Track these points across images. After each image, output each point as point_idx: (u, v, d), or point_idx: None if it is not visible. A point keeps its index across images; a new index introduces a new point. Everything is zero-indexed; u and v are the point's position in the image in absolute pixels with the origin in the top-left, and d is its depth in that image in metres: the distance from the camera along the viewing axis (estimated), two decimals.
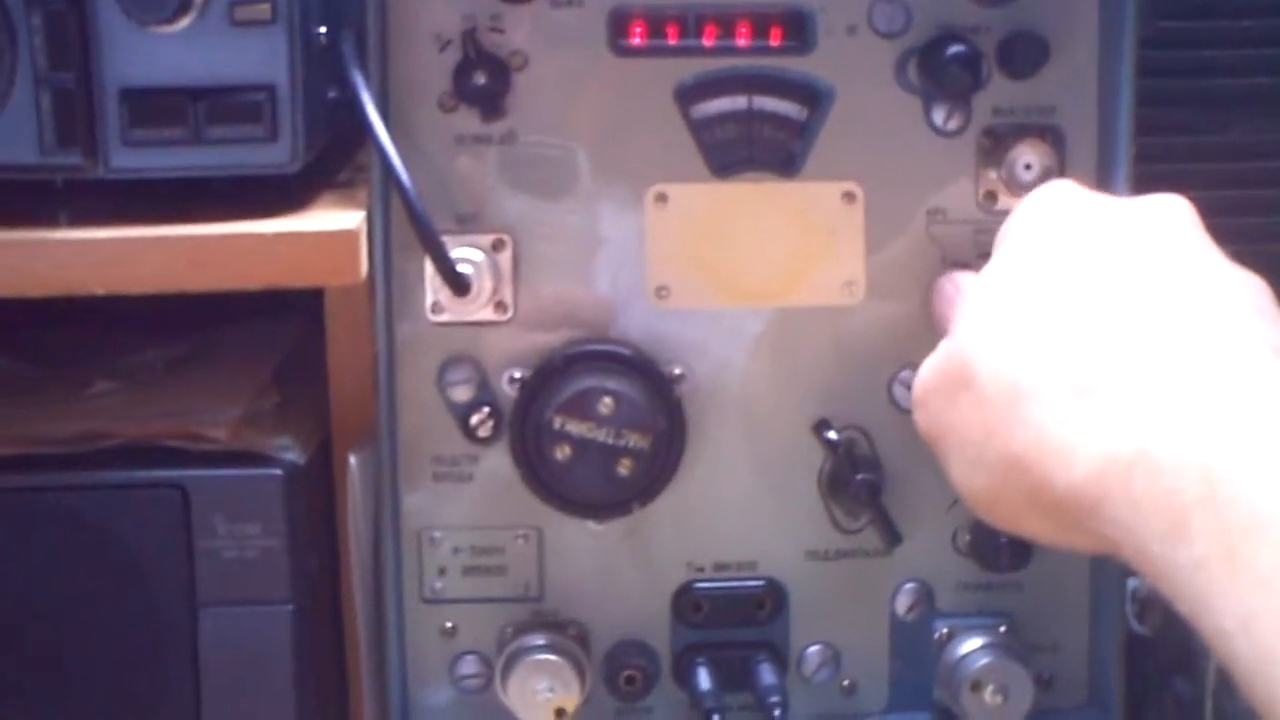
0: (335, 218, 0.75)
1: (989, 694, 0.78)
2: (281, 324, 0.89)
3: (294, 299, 0.78)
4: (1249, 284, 0.58)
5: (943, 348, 0.63)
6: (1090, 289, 0.58)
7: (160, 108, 0.71)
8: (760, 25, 0.77)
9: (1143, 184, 0.83)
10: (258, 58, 0.72)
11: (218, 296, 0.75)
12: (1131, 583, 0.81)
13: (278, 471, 0.74)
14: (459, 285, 0.74)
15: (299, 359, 0.85)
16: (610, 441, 0.75)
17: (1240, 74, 0.91)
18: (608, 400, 0.75)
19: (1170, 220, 0.61)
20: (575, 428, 0.75)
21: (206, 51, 0.71)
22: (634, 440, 0.75)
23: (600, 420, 0.75)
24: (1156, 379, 0.53)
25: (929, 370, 0.64)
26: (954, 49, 0.77)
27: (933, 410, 0.63)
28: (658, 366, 0.77)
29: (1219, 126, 0.92)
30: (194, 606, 0.74)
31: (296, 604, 0.74)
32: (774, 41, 0.77)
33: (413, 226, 0.72)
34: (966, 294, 0.66)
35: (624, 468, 0.75)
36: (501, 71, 0.76)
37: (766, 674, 0.79)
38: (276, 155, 0.73)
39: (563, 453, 0.75)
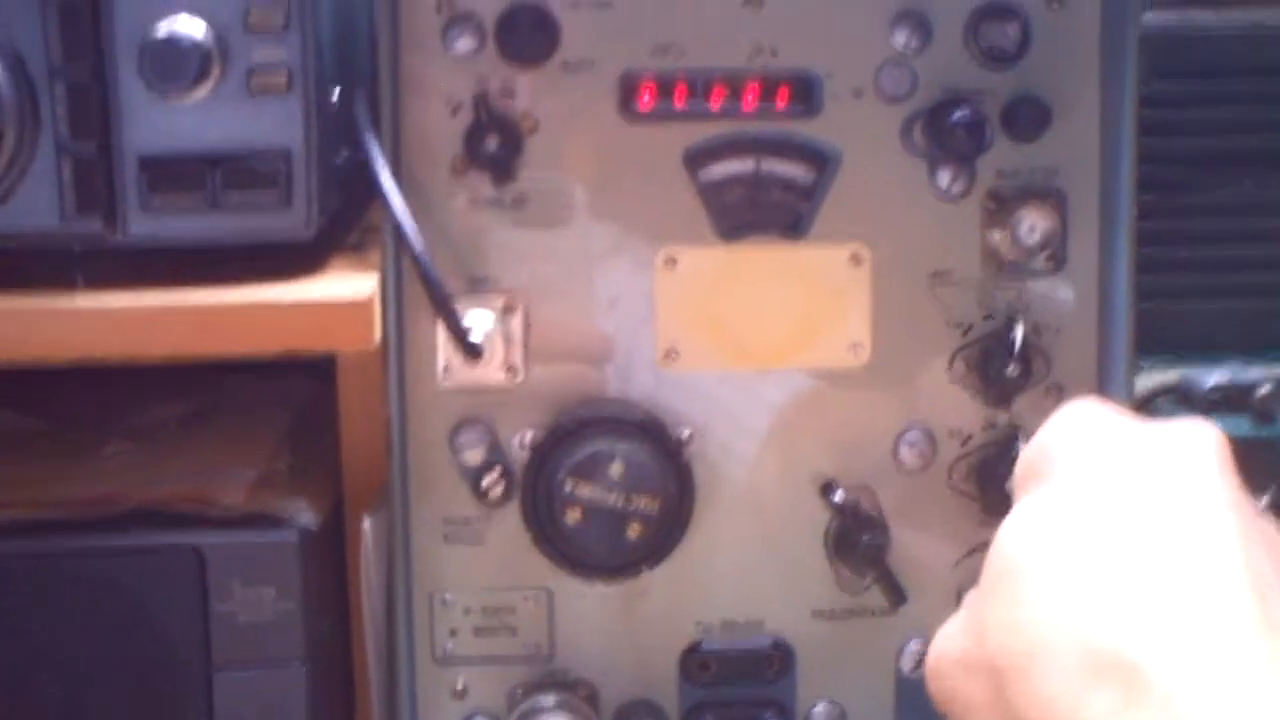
0: (349, 283, 0.76)
1: None
2: (293, 381, 0.90)
3: (305, 354, 0.79)
4: (1273, 543, 0.55)
5: (959, 618, 0.58)
6: (1104, 556, 0.53)
7: (178, 174, 0.73)
8: (768, 89, 0.78)
9: (1138, 240, 0.85)
10: (274, 124, 0.73)
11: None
12: None
13: (293, 535, 0.75)
14: (472, 351, 0.75)
15: (311, 418, 0.86)
16: (620, 505, 0.76)
17: (1237, 132, 0.92)
18: (618, 464, 0.75)
19: (1198, 466, 0.55)
20: (586, 491, 0.75)
21: (223, 119, 0.72)
22: (644, 504, 0.76)
23: (610, 484, 0.76)
24: (1168, 668, 0.51)
25: (944, 639, 0.61)
26: (959, 113, 0.78)
27: (946, 682, 0.60)
28: (666, 429, 0.78)
29: (1216, 184, 0.93)
30: (209, 669, 0.74)
31: (311, 665, 0.75)
32: (781, 105, 0.78)
33: (426, 292, 0.73)
34: (990, 556, 0.61)
35: (633, 531, 0.76)
36: (513, 135, 0.77)
37: None
38: (291, 221, 0.74)
39: (573, 516, 0.76)
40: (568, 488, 0.76)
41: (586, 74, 0.78)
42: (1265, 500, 0.81)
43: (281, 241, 0.75)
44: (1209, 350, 0.90)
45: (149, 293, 0.73)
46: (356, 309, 0.74)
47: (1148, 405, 0.85)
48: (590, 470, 0.76)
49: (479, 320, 0.77)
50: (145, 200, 0.72)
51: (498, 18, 0.76)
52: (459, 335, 0.74)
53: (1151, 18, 0.88)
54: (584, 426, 0.77)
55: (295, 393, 0.89)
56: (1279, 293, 0.94)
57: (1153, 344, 0.91)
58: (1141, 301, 0.94)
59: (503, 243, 0.78)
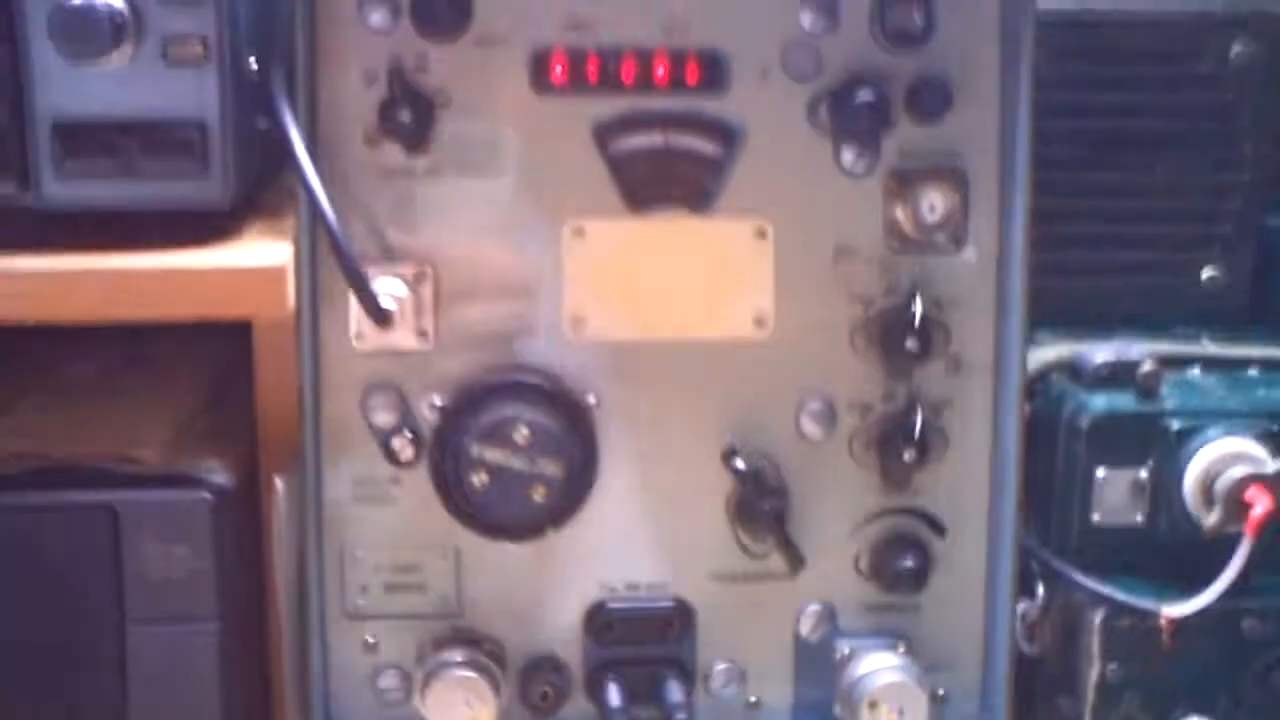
0: (264, 250, 0.78)
1: (886, 712, 0.81)
2: (213, 342, 0.91)
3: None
4: None
5: None
6: None
7: (92, 141, 0.74)
8: (677, 65, 0.80)
9: (1042, 218, 0.88)
10: (189, 93, 0.75)
11: None
12: (1021, 606, 0.86)
13: (206, 494, 0.77)
14: (380, 317, 0.76)
15: (230, 380, 0.88)
16: (526, 469, 0.78)
17: (1133, 116, 0.95)
18: (524, 429, 0.78)
19: None
20: (492, 455, 0.78)
21: (139, 87, 0.74)
22: (549, 468, 0.78)
23: (516, 448, 0.78)
24: None
25: None
26: (863, 93, 0.80)
27: None
28: (573, 395, 0.80)
29: (1117, 165, 0.96)
30: (123, 624, 0.76)
31: (223, 622, 0.77)
32: (690, 81, 0.80)
33: (336, 259, 0.75)
34: None
35: (538, 494, 0.78)
36: (426, 108, 0.79)
37: (673, 691, 0.82)
38: (207, 188, 0.76)
39: (480, 479, 0.78)
40: (474, 451, 0.78)
41: (499, 48, 0.80)
42: (1145, 473, 0.84)
43: (197, 209, 0.76)
44: (1109, 325, 0.93)
45: (63, 257, 0.75)
46: (271, 275, 0.76)
47: (1041, 381, 0.88)
48: (496, 435, 0.78)
49: (390, 287, 0.79)
50: (59, 165, 0.74)
51: None
52: (368, 301, 0.76)
53: (1054, 3, 0.90)
54: (491, 392, 0.79)
55: (215, 354, 0.90)
56: (1172, 270, 0.97)
57: (1055, 318, 0.94)
58: (1044, 277, 0.98)
59: (416, 212, 0.80)
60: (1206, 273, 0.98)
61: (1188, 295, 0.98)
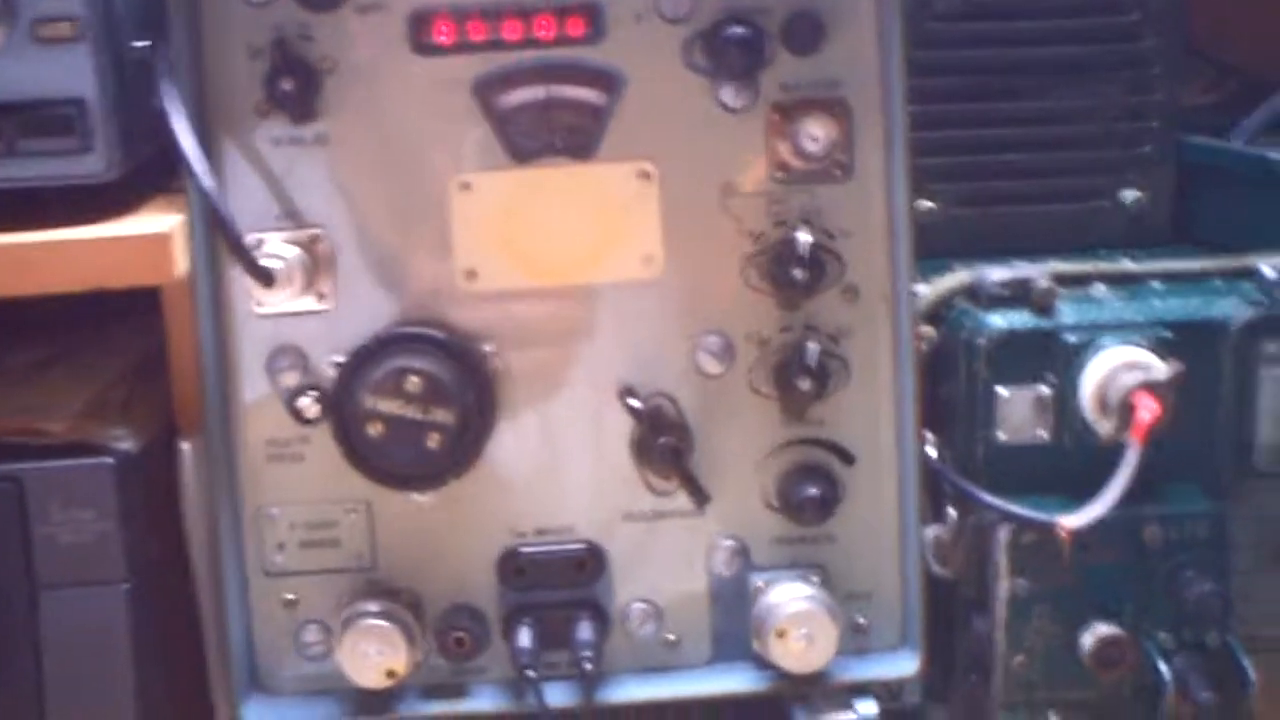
0: (154, 221, 0.80)
1: (794, 640, 0.82)
2: (143, 320, 0.93)
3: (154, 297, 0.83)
4: None
5: None
6: None
7: None
8: (556, 16, 0.82)
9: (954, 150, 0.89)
10: (65, 73, 0.77)
11: (83, 298, 0.80)
12: (930, 530, 0.86)
13: (110, 460, 0.79)
14: (263, 278, 0.79)
15: (156, 349, 0.90)
16: (419, 417, 0.80)
17: (1040, 44, 0.96)
18: (414, 379, 0.79)
19: None
20: (386, 406, 0.79)
21: (12, 68, 0.76)
22: (441, 415, 0.80)
23: (409, 398, 0.79)
24: None
25: None
26: (736, 30, 0.81)
27: None
28: (467, 345, 0.82)
29: (1024, 93, 0.97)
30: (34, 590, 0.79)
31: (133, 583, 0.79)
32: (569, 31, 0.82)
33: (215, 223, 0.78)
34: None
35: (433, 441, 0.80)
36: (311, 76, 0.81)
37: (584, 631, 0.84)
38: (92, 165, 0.78)
39: (375, 430, 0.80)
40: (369, 403, 0.80)
41: (379, 14, 0.82)
42: (1045, 389, 0.84)
43: (87, 184, 0.78)
44: (1034, 255, 0.93)
45: None
46: (156, 243, 0.78)
47: (945, 306, 0.88)
48: (388, 386, 0.79)
49: (281, 250, 0.81)
50: None
51: None
52: (248, 261, 0.78)
53: None
54: (383, 345, 0.81)
55: (145, 332, 0.92)
56: (1094, 195, 0.98)
57: (978, 248, 0.95)
58: (968, 207, 0.98)
59: (308, 178, 0.82)
60: (1128, 195, 0.98)
61: (1110, 219, 0.98)
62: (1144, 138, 0.97)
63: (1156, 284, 0.87)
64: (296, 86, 0.81)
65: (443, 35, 0.82)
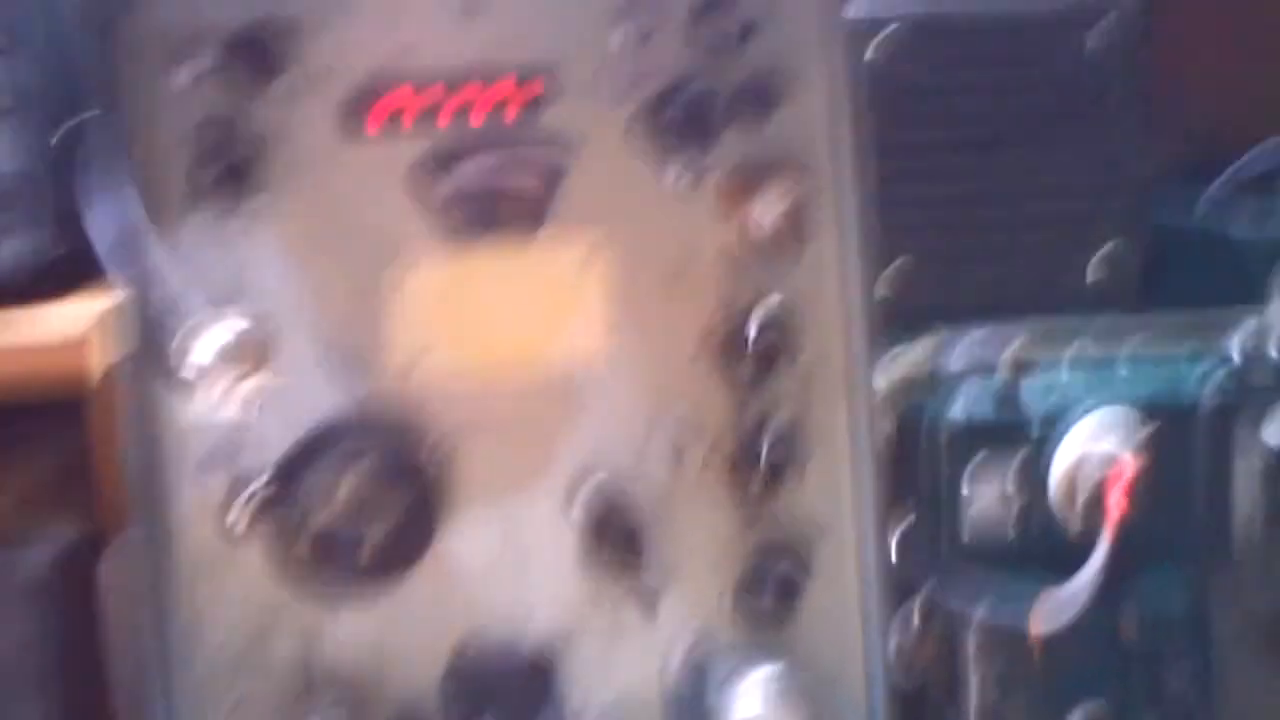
0: (71, 318, 0.76)
1: None
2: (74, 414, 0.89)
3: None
4: None
5: None
6: None
7: None
8: (495, 97, 0.78)
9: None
10: None
11: None
12: (893, 642, 0.82)
13: (29, 568, 0.75)
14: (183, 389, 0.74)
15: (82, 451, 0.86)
16: (354, 528, 0.75)
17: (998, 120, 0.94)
18: (348, 486, 0.75)
19: None
20: (315, 520, 0.75)
21: None
22: (378, 524, 0.75)
23: (345, 505, 0.75)
24: None
25: None
26: (682, 105, 0.78)
27: None
28: (408, 441, 0.78)
29: (985, 171, 0.95)
30: None
31: (49, 700, 0.75)
32: (510, 111, 0.78)
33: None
34: None
35: (371, 550, 0.75)
36: (242, 159, 0.77)
37: None
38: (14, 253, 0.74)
39: (309, 543, 0.75)
40: (296, 517, 0.75)
41: (313, 97, 0.78)
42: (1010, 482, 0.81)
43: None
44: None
45: None
46: (70, 351, 0.74)
47: (905, 389, 0.85)
48: (318, 496, 0.75)
49: (212, 340, 0.76)
50: None
51: (221, 47, 0.76)
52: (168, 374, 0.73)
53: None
54: (315, 447, 0.76)
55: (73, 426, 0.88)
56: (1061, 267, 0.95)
57: (946, 318, 0.91)
58: (935, 279, 0.96)
59: (240, 265, 0.78)
60: (1095, 260, 0.96)
61: (1076, 292, 0.96)
62: (1113, 202, 0.95)
63: (1123, 363, 0.84)
64: (226, 171, 0.77)
65: (377, 120, 0.78)
